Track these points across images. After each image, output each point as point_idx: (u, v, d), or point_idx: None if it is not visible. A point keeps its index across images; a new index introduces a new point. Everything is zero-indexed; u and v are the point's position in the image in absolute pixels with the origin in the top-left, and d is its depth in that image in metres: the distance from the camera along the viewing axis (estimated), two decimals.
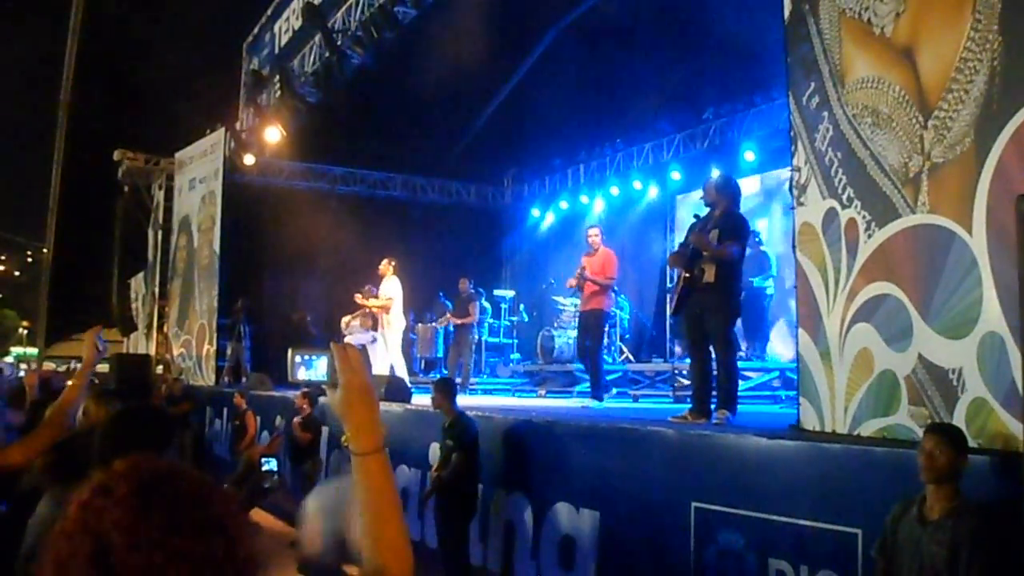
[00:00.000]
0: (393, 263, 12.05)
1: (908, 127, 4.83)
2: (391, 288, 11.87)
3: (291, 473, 8.91)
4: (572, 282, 10.00)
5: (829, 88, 5.45)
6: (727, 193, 7.29)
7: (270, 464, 3.36)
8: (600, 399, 9.41)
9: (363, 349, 12.70)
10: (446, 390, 7.66)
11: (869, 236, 5.05)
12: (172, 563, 1.11)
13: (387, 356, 11.86)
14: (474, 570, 7.32)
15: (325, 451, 10.05)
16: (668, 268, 8.42)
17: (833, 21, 5.45)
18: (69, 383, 3.81)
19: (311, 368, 1.88)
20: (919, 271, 4.74)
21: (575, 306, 14.22)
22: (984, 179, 4.33)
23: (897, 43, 4.96)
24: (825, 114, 5.45)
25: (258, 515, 9.38)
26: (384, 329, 11.91)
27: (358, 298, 12.36)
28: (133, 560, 1.10)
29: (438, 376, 10.59)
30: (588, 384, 12.55)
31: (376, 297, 12.34)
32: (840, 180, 5.29)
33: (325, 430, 9.92)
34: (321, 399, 9.58)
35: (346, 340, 12.15)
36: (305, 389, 9.44)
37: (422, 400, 10.32)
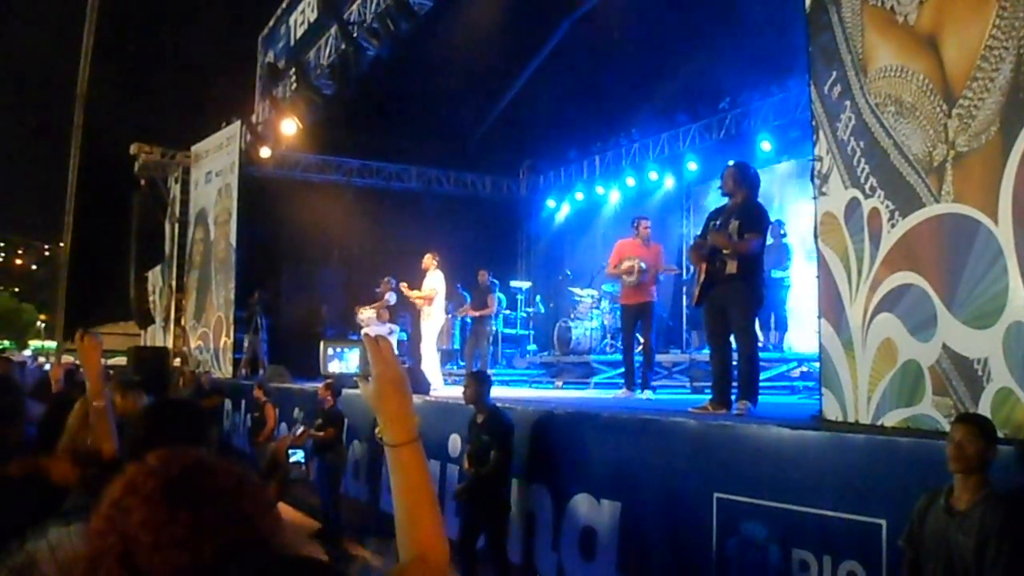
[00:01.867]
0: (437, 257, 12.08)
1: (932, 116, 4.79)
2: (435, 281, 11.93)
3: (314, 465, 8.93)
4: (632, 266, 9.58)
5: (851, 77, 5.41)
6: (746, 182, 7.19)
7: (297, 455, 3.35)
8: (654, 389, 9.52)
9: None
10: (482, 384, 7.47)
11: (892, 226, 5.01)
12: (198, 562, 1.10)
13: (421, 346, 11.96)
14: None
15: (347, 442, 10.08)
16: (690, 264, 8.25)
17: (855, 9, 5.41)
18: (94, 404, 3.47)
19: (343, 360, 1.88)
20: (944, 261, 4.71)
21: (592, 297, 14.24)
22: (1010, 168, 4.29)
23: (921, 31, 4.92)
24: (847, 103, 5.42)
25: (281, 508, 9.39)
26: (423, 321, 11.97)
27: (403, 288, 12.41)
28: (158, 560, 1.10)
29: (473, 369, 10.50)
30: (601, 375, 12.59)
31: (382, 294, 12.47)
32: (863, 170, 5.26)
33: (347, 421, 9.96)
34: (346, 390, 9.61)
35: (362, 332, 12.20)
36: (328, 380, 9.47)
37: (450, 392, 10.34)
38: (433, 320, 11.95)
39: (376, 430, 1.75)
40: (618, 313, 13.72)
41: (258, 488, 1.24)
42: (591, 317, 14.11)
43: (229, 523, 1.14)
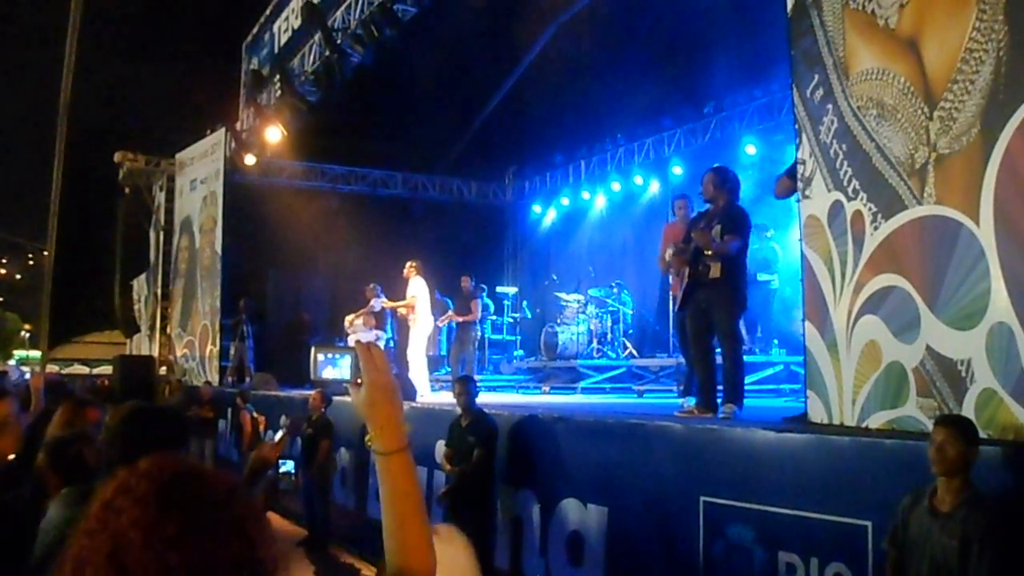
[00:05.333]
0: (416, 265, 12.09)
1: (913, 118, 4.82)
2: (416, 288, 11.95)
3: (304, 475, 8.89)
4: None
5: (833, 80, 5.43)
6: (726, 186, 7.22)
7: (287, 465, 3.36)
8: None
9: None
10: (470, 388, 7.65)
11: (875, 228, 5.04)
12: (187, 564, 1.10)
13: (408, 353, 11.94)
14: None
15: (335, 449, 10.06)
16: (672, 269, 7.97)
17: (836, 13, 5.44)
18: None
19: (337, 367, 1.88)
20: (926, 262, 4.73)
21: (578, 302, 14.25)
22: (991, 169, 4.32)
23: (901, 34, 4.95)
24: (830, 106, 5.44)
25: (270, 516, 9.35)
26: (412, 328, 11.97)
27: (385, 303, 12.42)
28: (148, 560, 1.09)
29: (460, 374, 10.49)
30: (589, 380, 12.58)
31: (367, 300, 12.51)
32: (846, 172, 5.28)
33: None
34: (335, 398, 9.59)
35: (349, 339, 12.19)
36: (320, 389, 9.45)
37: (436, 399, 10.33)
38: (420, 327, 11.94)
39: (366, 437, 1.75)
40: (605, 318, 13.78)
41: (249, 496, 1.24)
42: (578, 322, 14.11)
43: (219, 527, 1.14)
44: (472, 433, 7.29)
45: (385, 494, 1.70)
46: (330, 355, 1.89)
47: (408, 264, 12.13)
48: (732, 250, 6.88)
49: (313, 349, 1.89)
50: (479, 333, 14.26)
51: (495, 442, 7.24)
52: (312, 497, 9.71)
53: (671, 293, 9.07)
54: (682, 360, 10.57)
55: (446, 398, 8.38)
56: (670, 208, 9.64)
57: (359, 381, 1.75)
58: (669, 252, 8.35)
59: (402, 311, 12.09)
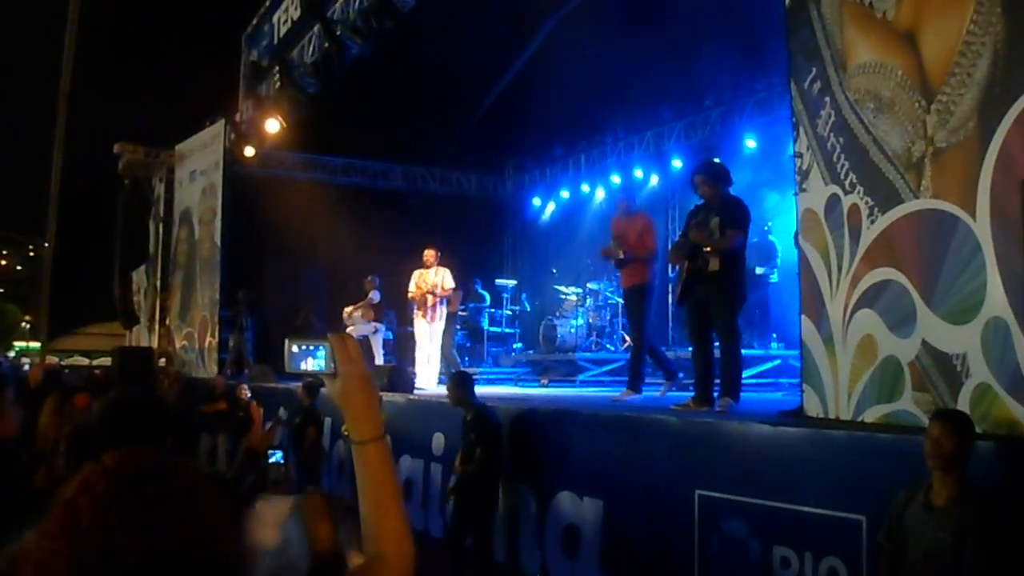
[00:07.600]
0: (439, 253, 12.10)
1: (911, 112, 4.80)
2: (451, 278, 12.01)
3: (294, 465, 8.91)
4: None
5: (831, 73, 5.41)
6: (719, 179, 7.17)
7: (277, 456, 3.37)
8: (638, 391, 8.29)
9: (364, 340, 12.76)
10: (463, 384, 7.48)
11: (872, 222, 5.02)
12: (148, 564, 1.09)
13: (428, 346, 11.97)
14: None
15: (329, 442, 10.06)
16: (668, 264, 8.19)
17: (834, 5, 5.41)
18: None
19: (316, 358, 1.88)
20: (923, 256, 4.72)
21: (577, 295, 14.24)
22: (988, 163, 4.30)
23: (899, 27, 4.92)
24: (827, 99, 5.42)
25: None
26: (436, 321, 11.94)
27: (431, 299, 12.31)
28: (108, 564, 1.08)
29: (456, 371, 10.49)
30: (587, 373, 12.58)
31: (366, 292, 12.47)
32: (843, 166, 5.26)
33: (328, 420, 9.93)
34: (321, 389, 9.60)
35: (348, 331, 12.17)
36: (309, 380, 9.44)
37: (439, 391, 10.31)
38: (445, 318, 11.96)
39: (343, 427, 1.75)
40: (604, 311, 13.81)
41: (214, 490, 1.22)
42: (576, 315, 14.10)
43: (182, 526, 1.13)
44: (473, 431, 7.18)
45: (362, 482, 1.71)
46: (305, 346, 1.89)
47: (432, 251, 12.04)
48: (734, 245, 6.86)
49: (287, 341, 1.89)
50: (458, 325, 14.25)
51: (498, 440, 7.12)
52: (302, 486, 9.71)
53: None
54: (680, 354, 10.63)
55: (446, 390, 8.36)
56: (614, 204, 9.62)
57: (334, 372, 1.76)
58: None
59: (440, 292, 12.07)
